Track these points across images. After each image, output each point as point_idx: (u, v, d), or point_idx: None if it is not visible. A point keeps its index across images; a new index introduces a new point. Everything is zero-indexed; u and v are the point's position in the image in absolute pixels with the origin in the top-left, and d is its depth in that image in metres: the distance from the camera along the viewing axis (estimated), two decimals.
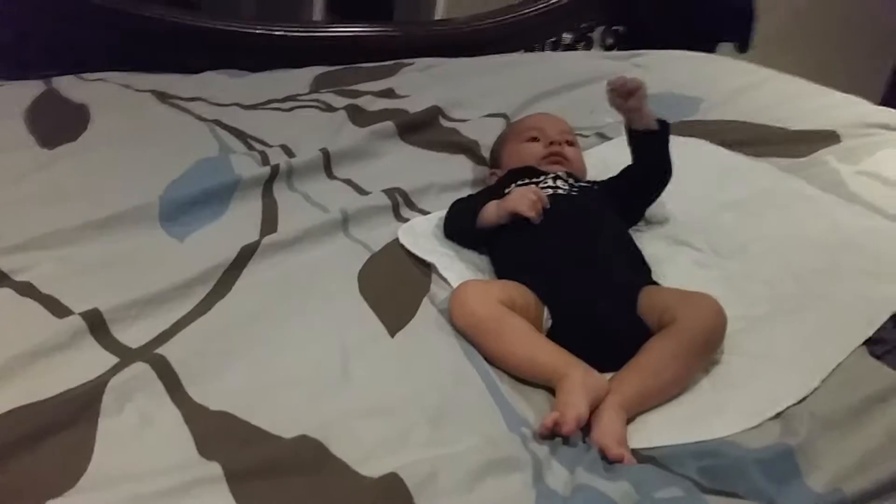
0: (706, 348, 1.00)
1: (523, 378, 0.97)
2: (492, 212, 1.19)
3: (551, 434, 0.87)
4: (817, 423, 0.92)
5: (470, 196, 1.32)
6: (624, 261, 1.15)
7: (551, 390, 0.95)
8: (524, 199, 1.16)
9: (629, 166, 1.31)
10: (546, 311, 1.06)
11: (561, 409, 0.88)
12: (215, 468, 0.78)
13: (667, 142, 1.28)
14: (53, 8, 1.71)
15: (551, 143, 1.35)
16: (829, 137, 1.62)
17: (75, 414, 0.83)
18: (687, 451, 0.88)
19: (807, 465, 0.87)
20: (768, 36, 2.37)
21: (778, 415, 0.94)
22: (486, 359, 0.98)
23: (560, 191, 1.25)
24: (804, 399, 0.96)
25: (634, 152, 1.29)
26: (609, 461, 0.85)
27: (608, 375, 0.97)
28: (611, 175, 1.35)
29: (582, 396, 0.89)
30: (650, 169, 1.29)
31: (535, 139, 1.37)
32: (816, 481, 0.85)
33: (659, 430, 0.92)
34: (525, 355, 0.97)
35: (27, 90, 1.54)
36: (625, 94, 1.24)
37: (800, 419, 0.92)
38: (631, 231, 1.28)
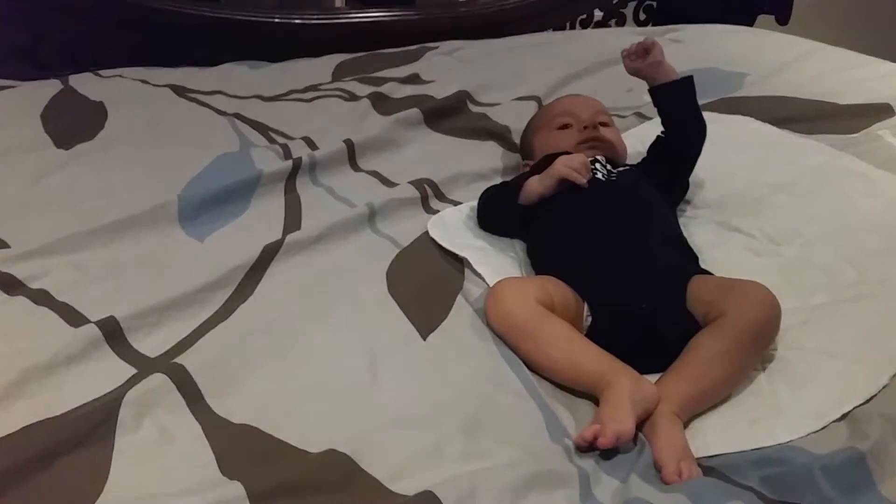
0: (759, 343, 0.92)
1: (566, 385, 0.90)
2: (535, 184, 1.13)
3: (589, 447, 0.80)
4: (889, 425, 0.84)
5: (504, 182, 1.25)
6: (670, 250, 1.08)
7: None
8: (573, 161, 1.11)
9: (660, 134, 1.24)
10: (586, 308, 0.99)
11: (604, 421, 0.81)
12: (237, 488, 0.73)
13: (693, 91, 1.21)
14: (68, 6, 1.68)
15: (585, 128, 1.27)
16: (882, 110, 1.52)
17: (91, 431, 0.79)
18: (748, 458, 0.81)
19: (880, 473, 0.79)
20: (799, 7, 2.26)
21: (844, 416, 0.86)
22: (525, 363, 0.91)
23: (598, 175, 1.17)
24: (872, 398, 0.88)
25: (663, 110, 1.23)
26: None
27: (656, 377, 0.90)
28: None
29: (628, 410, 0.82)
30: (683, 124, 1.22)
31: (566, 126, 1.29)
32: (893, 490, 0.77)
33: (717, 437, 0.85)
34: (567, 361, 0.89)
35: (44, 89, 1.52)
36: (642, 53, 1.19)
37: (868, 421, 0.85)
38: (679, 216, 1.20)
